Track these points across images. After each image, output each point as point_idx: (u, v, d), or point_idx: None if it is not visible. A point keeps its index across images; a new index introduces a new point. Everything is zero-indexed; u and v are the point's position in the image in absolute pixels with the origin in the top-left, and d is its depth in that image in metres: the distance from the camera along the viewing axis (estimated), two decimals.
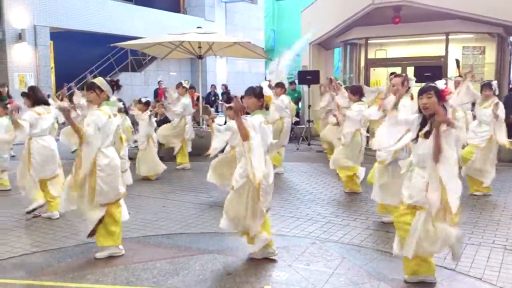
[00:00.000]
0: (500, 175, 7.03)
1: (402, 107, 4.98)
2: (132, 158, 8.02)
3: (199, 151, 9.07)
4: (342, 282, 3.98)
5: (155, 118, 8.64)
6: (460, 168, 5.34)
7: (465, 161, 6.81)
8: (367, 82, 12.28)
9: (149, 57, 18.65)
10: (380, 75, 12.68)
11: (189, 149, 9.43)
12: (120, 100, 6.80)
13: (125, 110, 7.67)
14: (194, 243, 5.02)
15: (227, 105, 6.90)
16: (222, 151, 6.58)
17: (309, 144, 12.00)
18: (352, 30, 12.64)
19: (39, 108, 5.77)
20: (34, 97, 5.83)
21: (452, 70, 10.24)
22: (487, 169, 6.75)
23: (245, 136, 4.07)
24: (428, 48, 12.67)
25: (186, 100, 9.20)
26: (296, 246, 4.82)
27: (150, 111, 8.26)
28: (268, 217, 4.48)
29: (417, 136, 3.78)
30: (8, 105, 6.73)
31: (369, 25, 12.13)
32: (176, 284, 3.95)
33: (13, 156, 8.66)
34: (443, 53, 11.91)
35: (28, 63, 14.75)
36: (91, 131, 4.27)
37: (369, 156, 7.76)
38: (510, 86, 13.62)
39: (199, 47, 11.05)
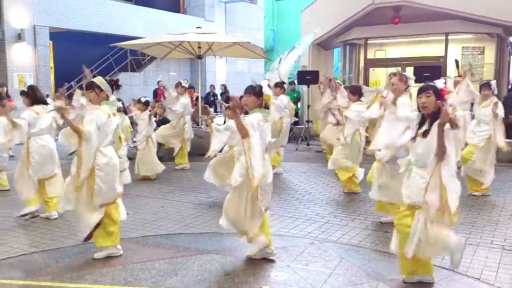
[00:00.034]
0: (499, 175, 7.04)
1: (401, 105, 4.99)
2: (131, 158, 8.02)
3: (198, 151, 9.07)
4: (340, 282, 3.98)
5: (155, 118, 8.64)
6: (459, 168, 5.36)
7: (465, 161, 6.81)
8: (366, 82, 12.30)
9: (149, 57, 18.64)
10: (379, 75, 12.70)
11: (188, 149, 9.43)
12: (119, 99, 6.81)
13: (124, 110, 7.67)
14: (192, 243, 5.02)
15: (226, 104, 6.91)
16: (220, 151, 6.58)
17: (308, 144, 12.00)
18: (352, 30, 12.65)
19: (38, 108, 5.77)
20: (33, 96, 5.83)
21: (451, 70, 10.25)
22: (486, 169, 6.76)
23: (244, 134, 4.07)
24: (427, 48, 12.69)
25: (185, 99, 9.21)
26: (294, 246, 4.82)
27: (150, 111, 8.26)
28: (267, 217, 4.48)
29: (416, 135, 3.79)
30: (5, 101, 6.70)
31: (369, 25, 12.14)
32: (174, 285, 3.95)
33: (12, 156, 8.66)
34: (443, 54, 11.93)
35: (28, 63, 14.75)
36: (91, 129, 4.27)
37: (368, 156, 7.78)
38: (509, 86, 13.62)
39: (199, 47, 11.05)
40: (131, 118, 8.65)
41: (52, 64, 15.85)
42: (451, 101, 6.67)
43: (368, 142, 7.83)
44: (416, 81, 5.78)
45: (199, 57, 11.37)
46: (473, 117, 7.21)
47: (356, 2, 11.59)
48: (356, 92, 6.85)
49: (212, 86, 18.16)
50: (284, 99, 8.85)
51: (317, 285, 3.93)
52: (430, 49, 12.60)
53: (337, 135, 7.61)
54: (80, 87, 8.42)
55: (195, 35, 10.45)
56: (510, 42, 13.78)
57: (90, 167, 4.31)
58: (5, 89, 11.92)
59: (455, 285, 3.95)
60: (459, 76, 7.90)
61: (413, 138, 3.81)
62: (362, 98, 6.92)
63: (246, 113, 4.40)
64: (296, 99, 13.99)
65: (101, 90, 4.48)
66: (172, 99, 9.17)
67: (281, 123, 8.60)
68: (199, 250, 4.74)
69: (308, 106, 12.60)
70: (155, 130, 8.76)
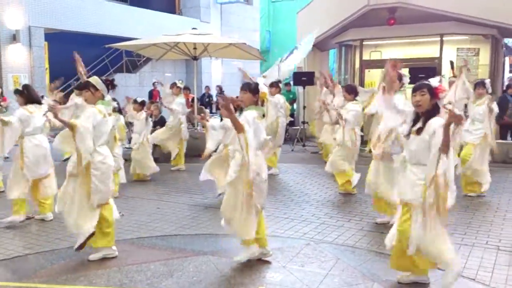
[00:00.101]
0: (494, 176, 7.07)
1: (396, 100, 4.99)
2: (126, 159, 8.00)
3: (194, 152, 9.07)
4: (336, 283, 3.99)
5: (151, 119, 8.65)
6: (455, 166, 5.38)
7: (463, 163, 6.83)
8: (361, 84, 12.32)
9: (144, 58, 18.59)
10: (374, 76, 12.71)
11: (184, 150, 9.43)
12: (114, 99, 6.79)
13: (119, 110, 7.66)
14: (188, 244, 5.01)
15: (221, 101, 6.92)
16: (215, 151, 6.60)
17: (304, 146, 12.01)
18: (347, 31, 12.67)
19: (31, 107, 5.73)
20: (28, 96, 5.79)
21: (446, 72, 10.28)
22: (483, 169, 6.80)
23: (239, 129, 4.05)
24: (422, 50, 12.73)
25: (181, 99, 9.23)
26: (290, 247, 4.82)
27: (145, 111, 8.26)
28: (263, 218, 4.48)
29: (410, 132, 3.80)
30: None
31: (364, 27, 12.16)
32: (170, 286, 3.94)
33: (7, 157, 8.61)
34: (438, 55, 11.97)
35: (23, 64, 14.68)
36: (85, 124, 4.25)
37: (364, 158, 7.80)
38: (504, 87, 13.68)
39: (194, 48, 11.03)
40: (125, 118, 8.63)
41: (47, 65, 15.78)
42: (449, 99, 6.73)
43: (364, 142, 7.88)
44: (411, 82, 5.80)
45: (195, 58, 11.35)
46: (467, 117, 7.24)
47: (352, 3, 11.62)
48: (352, 92, 6.89)
49: (207, 87, 18.14)
50: (281, 99, 8.89)
51: (313, 286, 3.93)
52: (425, 50, 12.64)
53: (333, 135, 7.63)
54: (77, 87, 8.38)
55: (191, 36, 10.43)
56: (505, 44, 13.85)
57: (86, 161, 4.28)
58: (0, 90, 11.85)
59: None
60: (454, 76, 7.94)
61: (407, 135, 3.83)
62: (358, 98, 6.96)
63: (241, 110, 4.41)
64: (292, 100, 14.00)
65: (97, 89, 4.48)
66: (167, 97, 9.18)
67: (277, 122, 8.62)
68: (194, 252, 4.73)
69: (304, 107, 12.61)
70: (151, 132, 8.77)
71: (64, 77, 6.78)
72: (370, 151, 5.59)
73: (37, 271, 4.30)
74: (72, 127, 4.26)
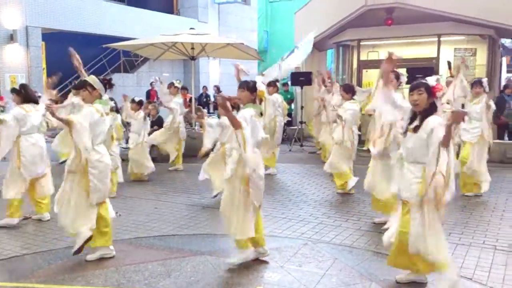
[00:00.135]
0: (491, 175, 7.07)
1: None
2: (124, 159, 7.99)
3: (192, 152, 9.05)
4: (334, 283, 3.99)
5: (149, 118, 8.64)
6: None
7: (463, 164, 6.84)
8: (359, 84, 12.33)
9: (142, 58, 18.57)
10: (372, 76, 12.71)
11: (182, 150, 9.43)
12: (111, 99, 6.79)
13: (116, 109, 7.65)
14: (186, 244, 5.00)
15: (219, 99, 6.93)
16: (212, 149, 6.61)
17: (301, 145, 12.02)
18: (345, 31, 12.69)
19: (28, 106, 5.71)
20: (25, 95, 5.77)
21: (444, 72, 10.31)
22: (482, 170, 6.81)
23: (237, 125, 4.04)
24: (420, 50, 12.75)
25: (179, 99, 9.23)
26: (288, 247, 4.82)
27: (143, 111, 8.25)
28: (261, 218, 4.47)
29: (406, 129, 3.81)
30: None
31: (362, 27, 12.17)
32: (167, 286, 3.94)
33: (4, 158, 8.58)
34: (435, 55, 11.99)
35: (20, 64, 14.65)
36: (82, 121, 4.25)
37: (362, 157, 7.81)
38: (501, 87, 13.72)
39: (192, 48, 11.03)
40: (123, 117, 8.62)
41: (44, 65, 15.75)
42: (448, 98, 6.75)
43: (361, 141, 7.90)
44: (408, 82, 5.82)
45: (193, 58, 11.35)
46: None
47: (349, 3, 11.62)
48: (349, 91, 6.91)
49: (205, 87, 18.13)
50: (278, 98, 8.91)
51: (310, 286, 3.93)
52: (422, 50, 12.66)
53: (331, 134, 7.65)
54: (74, 86, 8.38)
55: (189, 36, 10.43)
56: (502, 44, 13.87)
57: (85, 157, 4.28)
58: None
59: None
60: (452, 76, 7.96)
61: (404, 133, 3.84)
62: (355, 97, 6.98)
63: (239, 109, 4.41)
64: (289, 100, 14.01)
65: (94, 89, 4.49)
66: (165, 96, 9.18)
67: (275, 122, 8.63)
68: (192, 252, 4.73)
69: (302, 107, 12.62)
70: (150, 134, 8.77)
71: (61, 77, 6.75)
72: (368, 150, 5.59)
73: (35, 271, 4.29)
74: (69, 123, 4.26)
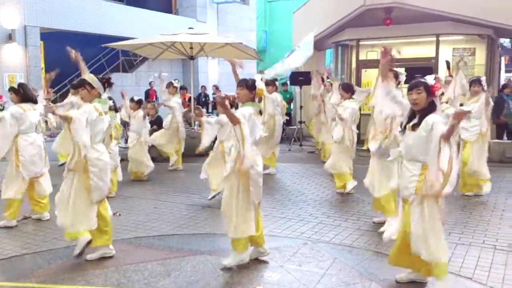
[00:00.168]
0: (491, 175, 7.08)
1: None
2: (123, 159, 7.98)
3: (191, 152, 9.05)
4: (333, 283, 3.99)
5: (148, 118, 8.64)
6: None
7: (464, 164, 6.84)
8: (358, 83, 12.33)
9: (141, 58, 18.55)
10: (371, 76, 12.72)
11: (182, 150, 9.42)
12: (110, 98, 6.79)
13: (115, 108, 7.65)
14: (186, 244, 5.00)
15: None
16: (211, 148, 6.62)
17: (301, 145, 12.02)
18: (344, 31, 12.69)
19: (26, 105, 5.69)
20: (23, 94, 5.75)
21: (442, 71, 10.32)
22: (482, 169, 6.81)
23: (235, 121, 4.03)
24: (418, 50, 12.75)
25: (177, 99, 9.23)
26: (288, 247, 4.82)
27: (142, 110, 8.25)
28: (260, 217, 4.47)
29: (405, 127, 3.81)
30: None
31: (361, 27, 12.18)
32: (167, 286, 3.94)
33: (3, 158, 8.56)
34: (434, 55, 11.99)
35: (18, 63, 14.63)
36: (80, 117, 4.25)
37: (362, 157, 7.82)
38: (500, 87, 13.74)
39: (191, 48, 11.02)
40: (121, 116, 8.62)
41: (43, 65, 15.73)
42: (449, 96, 6.75)
43: (360, 141, 7.90)
44: (407, 82, 5.82)
45: (191, 57, 11.34)
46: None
47: (348, 3, 11.63)
48: (349, 90, 6.92)
49: (204, 87, 18.12)
50: (278, 97, 8.91)
51: (310, 286, 3.93)
52: (421, 50, 12.67)
53: (331, 133, 7.66)
54: (73, 86, 8.36)
55: (187, 36, 10.43)
56: (501, 44, 13.89)
57: (84, 154, 4.28)
58: None
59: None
60: (450, 76, 7.96)
61: (402, 130, 3.84)
62: (354, 96, 6.99)
63: (237, 107, 4.41)
64: (289, 100, 14.01)
65: (92, 87, 4.48)
66: (164, 94, 9.19)
67: (274, 121, 8.63)
68: (192, 251, 4.72)
69: (301, 107, 12.62)
70: (150, 134, 8.76)
71: (59, 76, 6.75)
72: (368, 150, 5.59)
73: (34, 270, 4.28)
74: (67, 119, 4.25)
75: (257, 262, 4.42)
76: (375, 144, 5.29)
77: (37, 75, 15.09)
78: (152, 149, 9.13)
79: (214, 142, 6.70)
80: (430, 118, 3.60)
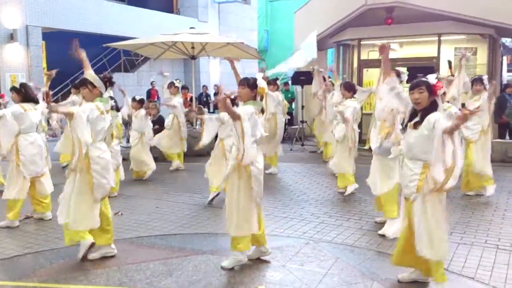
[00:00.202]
0: (493, 175, 7.07)
1: None
2: (125, 158, 7.98)
3: (193, 151, 9.05)
4: (335, 282, 3.99)
5: (150, 117, 8.65)
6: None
7: (468, 165, 6.83)
8: (360, 83, 12.32)
9: (142, 58, 18.58)
10: (373, 76, 12.71)
11: (185, 150, 9.43)
12: (111, 97, 6.80)
13: (116, 108, 7.66)
14: (188, 243, 5.00)
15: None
16: (212, 147, 6.62)
17: (302, 145, 12.01)
18: (345, 31, 12.68)
19: (27, 105, 5.69)
20: (25, 94, 5.75)
21: (444, 71, 10.31)
22: (486, 171, 6.78)
23: (236, 117, 4.03)
24: (420, 49, 12.74)
25: (179, 99, 9.23)
26: (289, 247, 4.82)
27: (144, 109, 8.25)
28: (262, 216, 4.47)
29: (406, 125, 3.81)
30: None
31: (362, 26, 12.17)
32: (169, 285, 3.94)
33: (4, 157, 8.58)
34: (436, 54, 11.98)
35: (20, 63, 14.65)
36: (81, 114, 4.25)
37: (363, 156, 7.81)
38: (502, 86, 13.73)
39: (192, 48, 11.02)
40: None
41: (44, 65, 15.75)
42: (453, 95, 6.74)
43: (362, 141, 7.90)
44: (408, 82, 5.82)
45: (193, 57, 11.34)
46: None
47: (349, 3, 11.62)
48: (350, 89, 6.92)
49: (205, 87, 18.12)
50: (279, 96, 8.92)
51: (312, 285, 3.93)
52: (423, 49, 12.65)
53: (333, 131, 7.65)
54: (74, 85, 8.37)
55: (189, 36, 10.43)
56: (502, 43, 13.86)
57: (85, 151, 4.28)
58: None
59: (450, 284, 3.94)
60: (452, 75, 7.96)
61: (404, 128, 3.84)
62: (356, 96, 6.99)
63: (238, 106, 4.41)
64: (290, 99, 14.02)
65: (94, 86, 4.48)
66: (166, 93, 9.19)
67: (275, 120, 8.63)
68: (194, 251, 4.72)
69: (303, 106, 12.62)
70: (153, 132, 8.78)
71: (61, 76, 6.76)
72: (370, 149, 5.59)
73: (36, 270, 4.29)
74: (70, 115, 4.26)
75: (259, 261, 4.42)
76: (376, 143, 5.29)
77: (38, 75, 15.08)
78: (154, 148, 9.13)
79: (214, 140, 6.70)
80: (432, 116, 3.60)
